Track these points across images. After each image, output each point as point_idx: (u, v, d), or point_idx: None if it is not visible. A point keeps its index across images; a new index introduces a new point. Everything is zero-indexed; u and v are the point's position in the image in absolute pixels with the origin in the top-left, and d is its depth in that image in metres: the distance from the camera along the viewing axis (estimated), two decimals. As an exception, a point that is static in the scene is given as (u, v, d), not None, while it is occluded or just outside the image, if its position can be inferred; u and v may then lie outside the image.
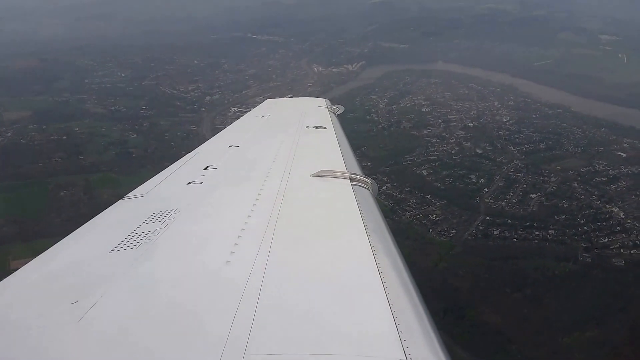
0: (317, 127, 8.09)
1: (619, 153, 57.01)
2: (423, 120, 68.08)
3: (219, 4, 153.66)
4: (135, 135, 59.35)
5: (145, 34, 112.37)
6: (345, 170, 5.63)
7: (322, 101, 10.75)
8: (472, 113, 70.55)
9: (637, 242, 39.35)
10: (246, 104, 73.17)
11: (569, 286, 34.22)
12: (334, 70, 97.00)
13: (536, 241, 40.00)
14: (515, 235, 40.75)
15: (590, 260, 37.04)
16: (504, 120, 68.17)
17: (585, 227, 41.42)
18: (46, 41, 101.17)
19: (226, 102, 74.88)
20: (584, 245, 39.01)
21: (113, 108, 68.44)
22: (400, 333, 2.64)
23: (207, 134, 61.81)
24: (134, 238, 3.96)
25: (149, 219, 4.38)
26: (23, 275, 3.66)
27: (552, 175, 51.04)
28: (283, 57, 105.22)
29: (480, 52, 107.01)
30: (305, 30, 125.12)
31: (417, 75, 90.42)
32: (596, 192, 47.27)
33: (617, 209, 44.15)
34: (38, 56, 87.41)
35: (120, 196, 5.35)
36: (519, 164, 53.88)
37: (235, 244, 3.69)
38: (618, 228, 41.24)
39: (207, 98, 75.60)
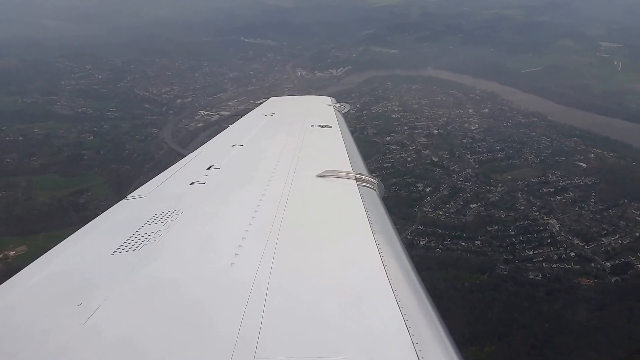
0: (322, 126, 7.96)
1: (580, 164, 55.35)
2: (389, 126, 67.25)
3: (218, 8, 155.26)
4: (92, 137, 60.09)
5: (135, 36, 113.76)
6: (351, 170, 5.53)
7: (327, 99, 10.62)
8: (441, 120, 69.66)
9: (564, 256, 37.97)
10: (217, 108, 73.82)
11: (476, 298, 33.36)
12: (318, 74, 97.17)
13: (459, 252, 39.04)
14: (440, 246, 39.86)
15: (505, 272, 35.97)
16: (472, 128, 67.09)
17: (513, 239, 40.26)
18: (31, 42, 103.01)
19: (197, 105, 75.40)
20: (505, 257, 37.93)
21: (80, 110, 69.66)
22: (412, 337, 2.56)
23: (167, 137, 62.40)
24: (135, 240, 3.90)
25: (151, 220, 4.30)
26: (25, 277, 3.59)
27: (500, 185, 49.80)
28: (270, 60, 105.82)
29: (472, 59, 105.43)
30: (300, 34, 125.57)
31: (399, 81, 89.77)
32: (538, 203, 45.88)
33: (555, 220, 42.84)
34: (20, 57, 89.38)
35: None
36: (471, 173, 52.80)
37: (240, 246, 3.63)
38: (548, 241, 39.90)
39: (178, 101, 76.29)
